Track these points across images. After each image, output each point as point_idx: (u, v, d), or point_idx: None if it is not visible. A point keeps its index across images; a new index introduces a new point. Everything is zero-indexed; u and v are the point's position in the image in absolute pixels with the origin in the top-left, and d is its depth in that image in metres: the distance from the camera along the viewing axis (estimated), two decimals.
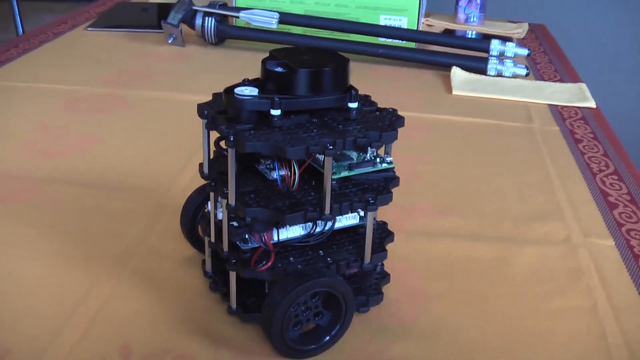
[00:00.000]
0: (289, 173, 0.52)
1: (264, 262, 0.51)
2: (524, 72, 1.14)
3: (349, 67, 0.52)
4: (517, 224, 0.72)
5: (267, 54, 0.53)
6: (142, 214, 0.69)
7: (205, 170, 0.54)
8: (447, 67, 1.15)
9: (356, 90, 0.52)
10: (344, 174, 0.53)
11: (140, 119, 0.93)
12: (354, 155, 0.55)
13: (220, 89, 0.52)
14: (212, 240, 0.55)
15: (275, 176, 0.52)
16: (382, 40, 1.23)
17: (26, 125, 0.89)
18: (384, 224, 0.59)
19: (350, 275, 0.57)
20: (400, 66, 1.19)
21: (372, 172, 0.54)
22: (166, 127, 0.91)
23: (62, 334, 0.53)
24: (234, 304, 0.54)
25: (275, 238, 0.52)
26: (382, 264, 0.60)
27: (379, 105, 0.55)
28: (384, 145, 0.55)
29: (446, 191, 0.78)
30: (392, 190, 0.53)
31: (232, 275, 0.53)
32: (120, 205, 0.71)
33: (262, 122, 0.50)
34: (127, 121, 0.92)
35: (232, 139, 0.49)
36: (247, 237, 0.52)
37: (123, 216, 0.69)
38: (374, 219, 0.59)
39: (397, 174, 0.55)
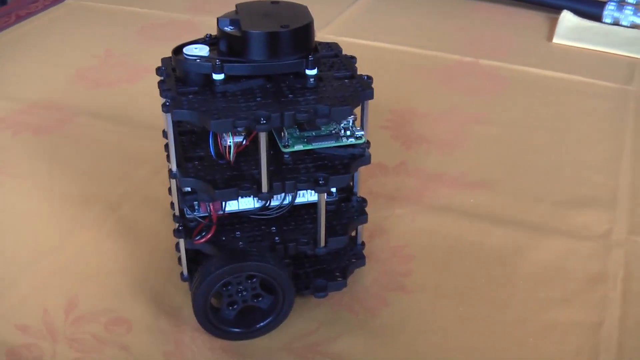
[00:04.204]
0: (242, 141, 0.48)
1: (204, 234, 0.48)
2: None
3: (311, 28, 0.46)
4: (554, 209, 0.62)
5: None
6: (154, 157, 0.68)
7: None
8: (558, 10, 1.01)
9: (315, 55, 0.46)
10: (298, 147, 0.47)
11: None
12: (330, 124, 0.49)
13: None
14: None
15: (228, 143, 0.48)
16: None
17: (92, 50, 0.90)
18: (363, 200, 0.53)
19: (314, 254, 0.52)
20: (505, 4, 1.07)
21: (341, 146, 0.49)
22: None
23: (21, 280, 0.54)
24: (185, 271, 0.52)
25: (226, 208, 0.49)
26: (363, 243, 0.54)
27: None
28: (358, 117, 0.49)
29: (489, 160, 0.69)
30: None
31: (181, 242, 0.51)
32: (137, 144, 0.70)
33: (208, 86, 0.46)
34: None
35: (167, 103, 0.45)
36: (195, 205, 0.49)
37: (136, 156, 0.68)
38: (355, 193, 0.53)
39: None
